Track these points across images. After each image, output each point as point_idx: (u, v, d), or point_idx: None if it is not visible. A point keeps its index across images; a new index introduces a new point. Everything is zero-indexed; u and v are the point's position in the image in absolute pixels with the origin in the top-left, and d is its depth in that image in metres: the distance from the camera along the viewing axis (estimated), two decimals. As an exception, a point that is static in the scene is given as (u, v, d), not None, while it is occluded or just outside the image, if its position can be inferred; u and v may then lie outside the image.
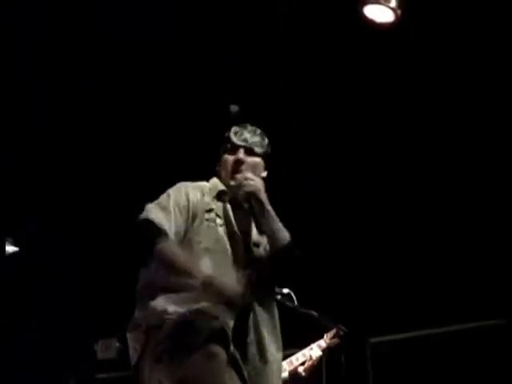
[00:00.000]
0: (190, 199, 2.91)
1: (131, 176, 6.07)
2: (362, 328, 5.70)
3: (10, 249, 4.95)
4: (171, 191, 2.94)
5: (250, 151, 3.03)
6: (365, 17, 4.82)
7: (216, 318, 2.67)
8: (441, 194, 5.93)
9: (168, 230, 2.78)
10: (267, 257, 2.94)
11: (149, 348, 2.70)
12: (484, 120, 5.54)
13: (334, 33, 5.17)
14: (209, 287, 2.65)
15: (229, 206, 2.97)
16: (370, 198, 6.07)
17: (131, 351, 2.79)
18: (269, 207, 2.93)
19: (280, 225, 2.94)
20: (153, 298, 2.76)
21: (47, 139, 5.87)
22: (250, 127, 3.10)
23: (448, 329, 6.03)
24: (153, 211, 2.82)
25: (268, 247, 2.96)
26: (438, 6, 4.93)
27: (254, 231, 2.99)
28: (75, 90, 5.45)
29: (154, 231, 2.75)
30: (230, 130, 3.09)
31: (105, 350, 6.85)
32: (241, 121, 3.20)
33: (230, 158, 3.03)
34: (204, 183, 3.05)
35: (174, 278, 2.70)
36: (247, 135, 3.05)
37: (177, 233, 2.83)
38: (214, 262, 2.78)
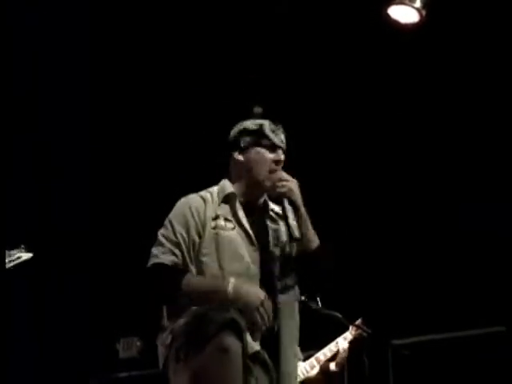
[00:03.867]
0: (194, 216, 2.88)
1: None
2: (384, 330, 5.68)
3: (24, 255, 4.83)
4: (172, 218, 2.89)
5: (284, 153, 2.98)
6: (389, 17, 4.81)
7: (227, 310, 2.68)
8: (450, 206, 5.92)
9: (181, 263, 2.81)
10: (293, 258, 2.94)
11: (172, 350, 2.72)
12: (508, 120, 5.51)
13: (358, 33, 5.17)
14: (237, 300, 2.71)
15: (238, 206, 2.93)
16: (397, 205, 6.07)
17: (159, 358, 2.81)
18: (302, 208, 2.91)
19: (311, 227, 2.94)
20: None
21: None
22: (281, 127, 3.02)
23: (467, 333, 6.00)
24: (159, 255, 2.82)
25: (289, 248, 2.95)
26: (462, 7, 4.92)
27: (271, 232, 2.96)
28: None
29: (171, 273, 2.79)
30: (261, 125, 2.97)
31: (126, 348, 6.85)
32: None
33: (268, 156, 2.95)
34: (210, 189, 3.00)
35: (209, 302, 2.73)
36: (282, 136, 2.99)
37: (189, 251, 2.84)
38: (231, 268, 2.80)
